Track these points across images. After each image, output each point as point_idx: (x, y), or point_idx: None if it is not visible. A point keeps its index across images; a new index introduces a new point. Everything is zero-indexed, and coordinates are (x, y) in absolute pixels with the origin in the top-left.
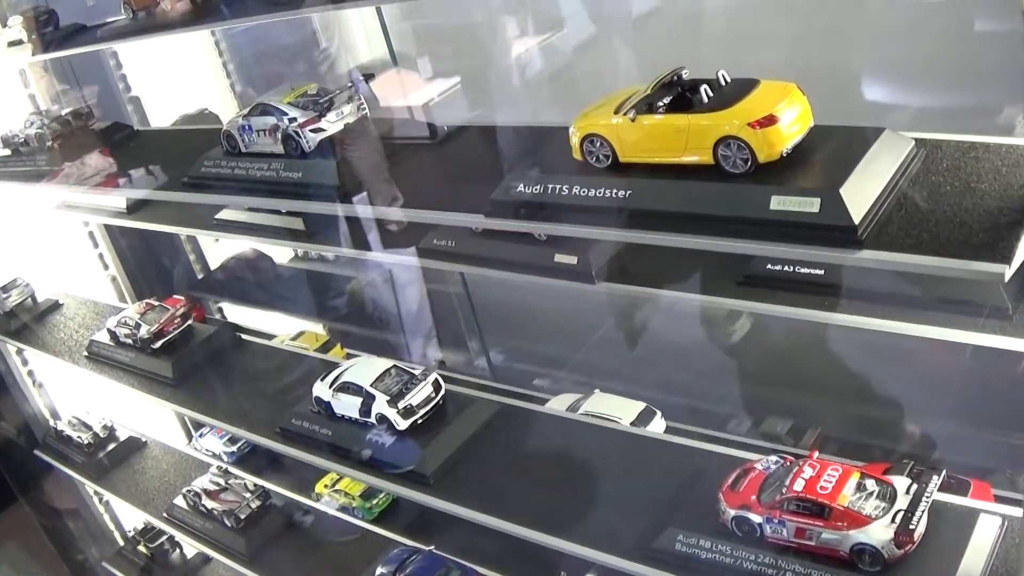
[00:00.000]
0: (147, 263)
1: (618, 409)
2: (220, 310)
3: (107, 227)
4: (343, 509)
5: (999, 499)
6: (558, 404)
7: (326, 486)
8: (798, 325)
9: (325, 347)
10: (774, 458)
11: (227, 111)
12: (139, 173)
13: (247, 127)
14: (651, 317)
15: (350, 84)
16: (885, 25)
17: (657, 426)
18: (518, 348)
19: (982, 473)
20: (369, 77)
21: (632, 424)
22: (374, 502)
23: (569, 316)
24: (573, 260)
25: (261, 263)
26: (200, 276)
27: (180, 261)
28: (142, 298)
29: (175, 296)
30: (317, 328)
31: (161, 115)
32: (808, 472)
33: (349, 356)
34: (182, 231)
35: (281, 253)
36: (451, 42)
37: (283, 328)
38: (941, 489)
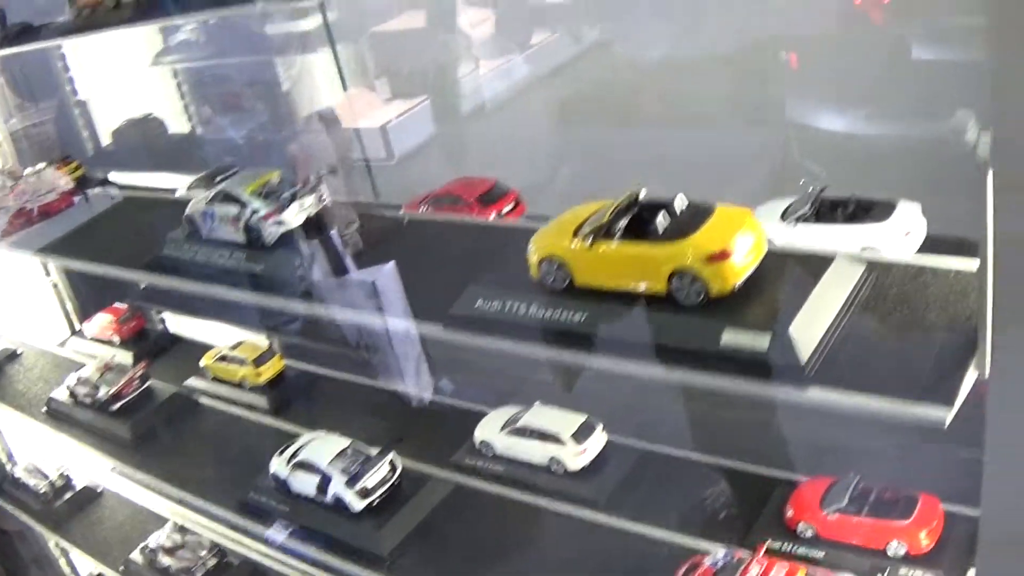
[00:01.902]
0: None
1: (558, 422)
2: (163, 320)
3: None
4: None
5: (948, 515)
6: (497, 417)
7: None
8: None
9: (265, 356)
10: (722, 552)
11: (176, 122)
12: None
13: (210, 214)
14: None
15: (314, 177)
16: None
17: (598, 440)
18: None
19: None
20: (333, 171)
21: (572, 436)
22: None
23: None
24: None
25: None
26: (143, 286)
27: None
28: (85, 308)
29: (116, 305)
30: (259, 338)
31: (108, 119)
32: (755, 570)
33: (288, 368)
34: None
35: None
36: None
37: (223, 338)
38: (887, 502)
